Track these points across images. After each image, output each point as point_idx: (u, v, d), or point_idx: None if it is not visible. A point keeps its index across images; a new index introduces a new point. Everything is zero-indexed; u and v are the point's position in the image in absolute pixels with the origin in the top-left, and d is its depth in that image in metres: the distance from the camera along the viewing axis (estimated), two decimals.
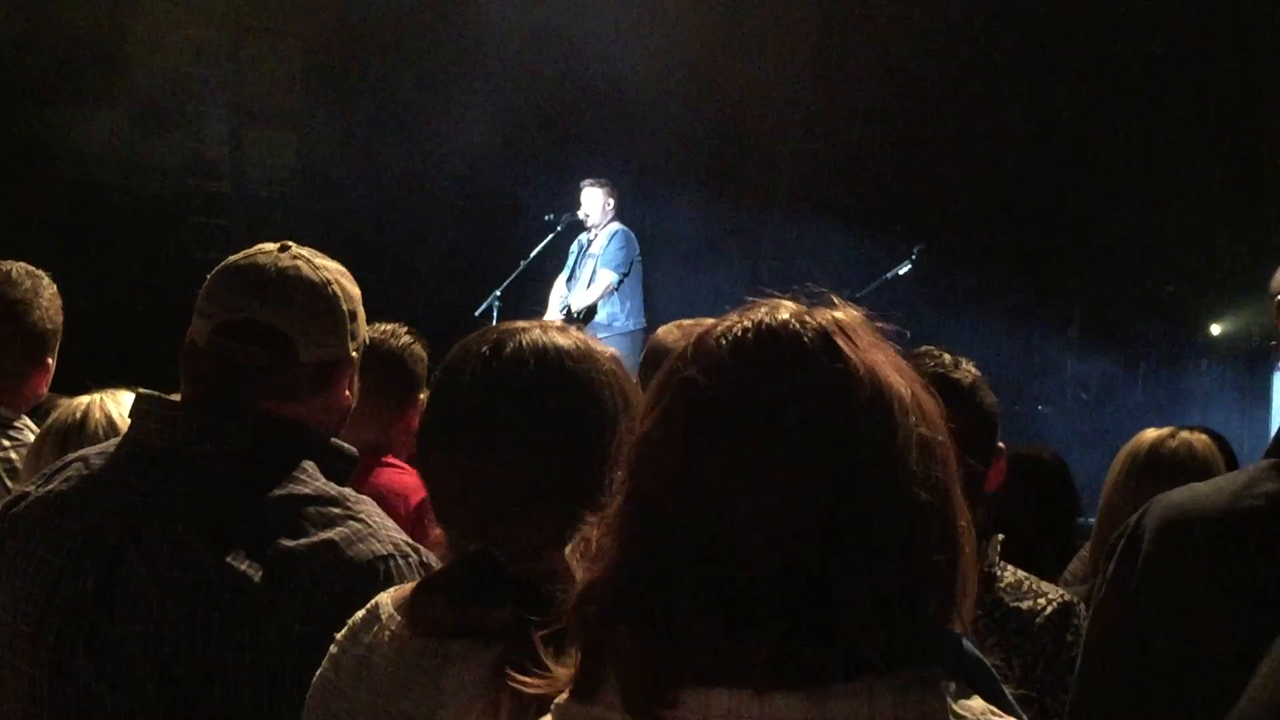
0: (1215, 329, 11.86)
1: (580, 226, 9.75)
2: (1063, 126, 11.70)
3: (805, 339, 1.23)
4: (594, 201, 9.67)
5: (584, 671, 1.26)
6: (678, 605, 1.19)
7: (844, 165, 11.83)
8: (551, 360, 1.72)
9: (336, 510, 2.07)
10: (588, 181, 9.73)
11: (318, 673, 1.75)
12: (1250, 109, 11.37)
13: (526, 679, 1.36)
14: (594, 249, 9.64)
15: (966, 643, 1.25)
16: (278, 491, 2.07)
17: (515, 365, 1.71)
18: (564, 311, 9.38)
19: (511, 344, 1.73)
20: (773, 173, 11.60)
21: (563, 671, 1.30)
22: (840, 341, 1.23)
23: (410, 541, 2.11)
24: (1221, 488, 2.01)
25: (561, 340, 1.75)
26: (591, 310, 9.41)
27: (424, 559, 2.07)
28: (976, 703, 1.20)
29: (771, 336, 1.24)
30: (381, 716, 1.66)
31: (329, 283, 2.24)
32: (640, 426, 1.27)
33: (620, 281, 9.51)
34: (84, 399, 2.97)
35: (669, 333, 3.10)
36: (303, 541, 2.02)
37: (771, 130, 11.34)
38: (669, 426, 1.24)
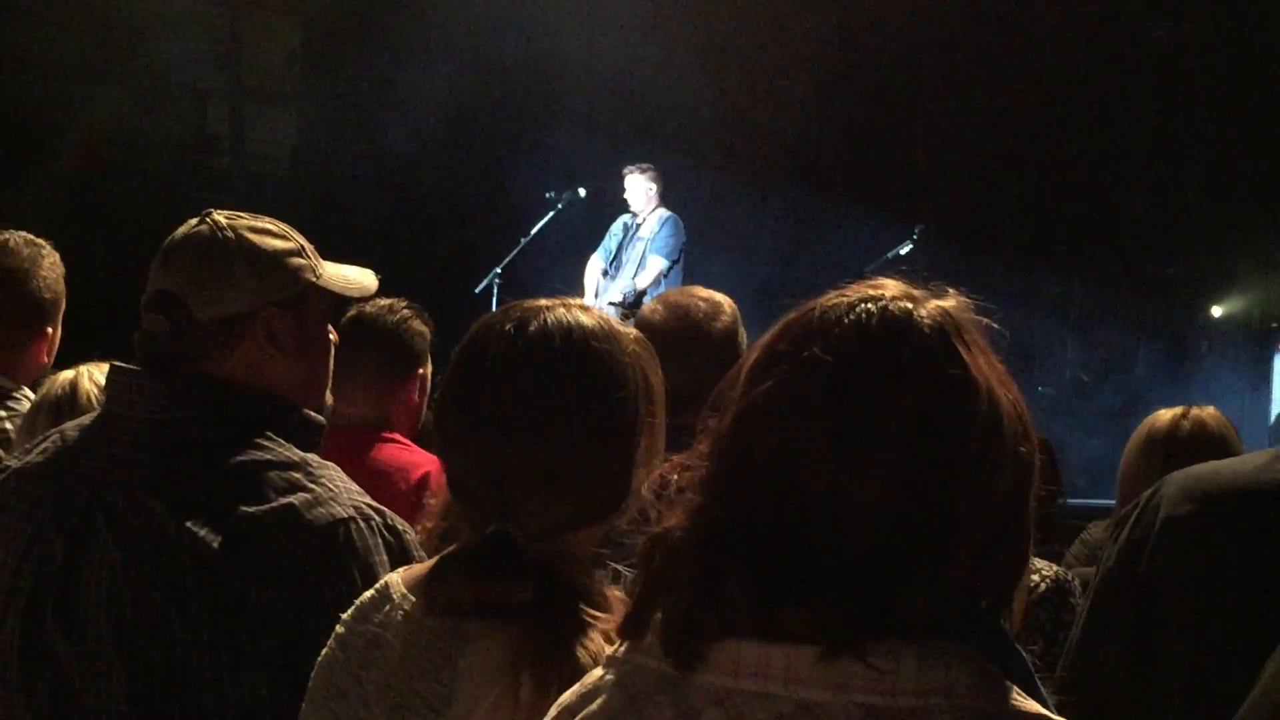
0: (1216, 310, 11.86)
1: (577, 203, 9.76)
2: (1065, 108, 11.67)
3: (926, 332, 1.25)
4: (637, 188, 9.73)
5: (635, 611, 1.30)
6: (735, 567, 1.22)
7: (846, 144, 11.81)
8: (577, 340, 1.70)
9: (297, 475, 2.09)
10: (630, 168, 9.76)
11: (323, 652, 1.74)
12: (1254, 90, 11.34)
13: (599, 615, 1.41)
14: (643, 232, 9.70)
15: (1010, 637, 1.28)
16: (239, 458, 2.09)
17: (541, 343, 1.69)
18: (625, 295, 9.40)
19: (536, 322, 1.71)
20: (774, 152, 11.57)
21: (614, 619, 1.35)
22: (958, 345, 1.25)
23: (374, 504, 2.12)
24: (1244, 462, 2.02)
25: (586, 320, 1.73)
26: (643, 295, 9.42)
27: (388, 521, 2.09)
28: (1008, 685, 1.22)
29: (896, 325, 1.25)
30: (394, 696, 1.65)
31: (228, 240, 2.22)
32: (745, 390, 1.27)
33: (671, 267, 9.55)
34: (70, 371, 2.98)
35: (654, 310, 3.09)
36: (263, 507, 2.03)
37: (773, 108, 11.31)
38: (783, 396, 1.24)
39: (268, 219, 2.31)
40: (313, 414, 2.27)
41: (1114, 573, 2.03)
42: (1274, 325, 11.28)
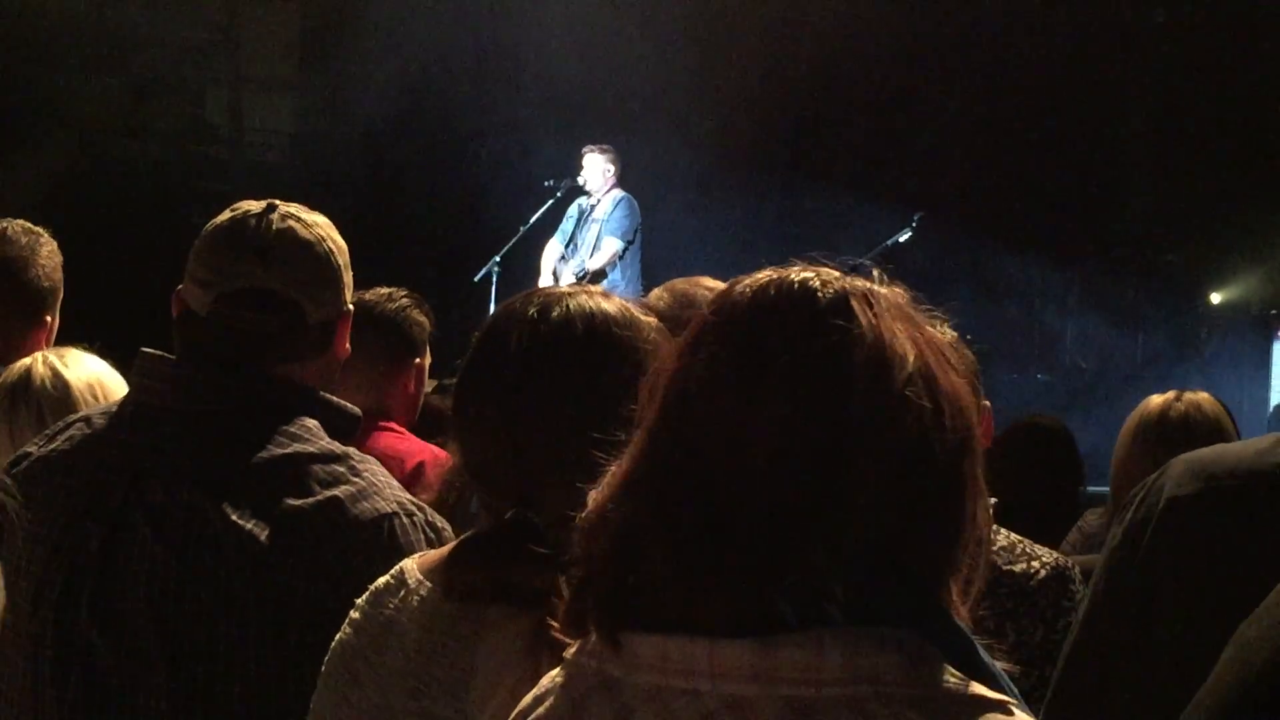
0: (1215, 297, 11.86)
1: (578, 191, 9.71)
2: (1064, 95, 11.66)
3: (819, 296, 1.24)
4: (595, 167, 9.60)
5: (572, 601, 1.29)
6: (650, 543, 1.21)
7: (844, 131, 11.80)
8: (599, 326, 1.70)
9: (341, 468, 2.08)
10: (589, 148, 9.66)
11: (337, 637, 1.74)
12: (1254, 77, 11.33)
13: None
14: (597, 214, 9.58)
15: (949, 615, 1.24)
16: (283, 450, 2.07)
17: (563, 330, 1.69)
18: (579, 276, 9.29)
19: (559, 308, 1.70)
20: (770, 139, 11.57)
21: None
22: (855, 304, 1.23)
23: (415, 500, 2.11)
24: (1246, 446, 2.02)
25: (608, 306, 1.72)
26: (600, 275, 9.33)
27: (429, 518, 2.08)
28: (942, 667, 1.18)
29: (789, 290, 1.25)
30: (412, 681, 1.65)
31: (322, 240, 2.24)
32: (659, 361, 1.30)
33: (626, 249, 9.46)
34: (28, 359, 2.95)
35: (660, 298, 3.07)
36: (308, 500, 2.02)
37: (769, 95, 11.29)
38: (674, 364, 1.26)
39: (318, 213, 2.31)
40: (348, 405, 2.27)
41: (1118, 552, 2.04)
42: (1273, 312, 11.29)
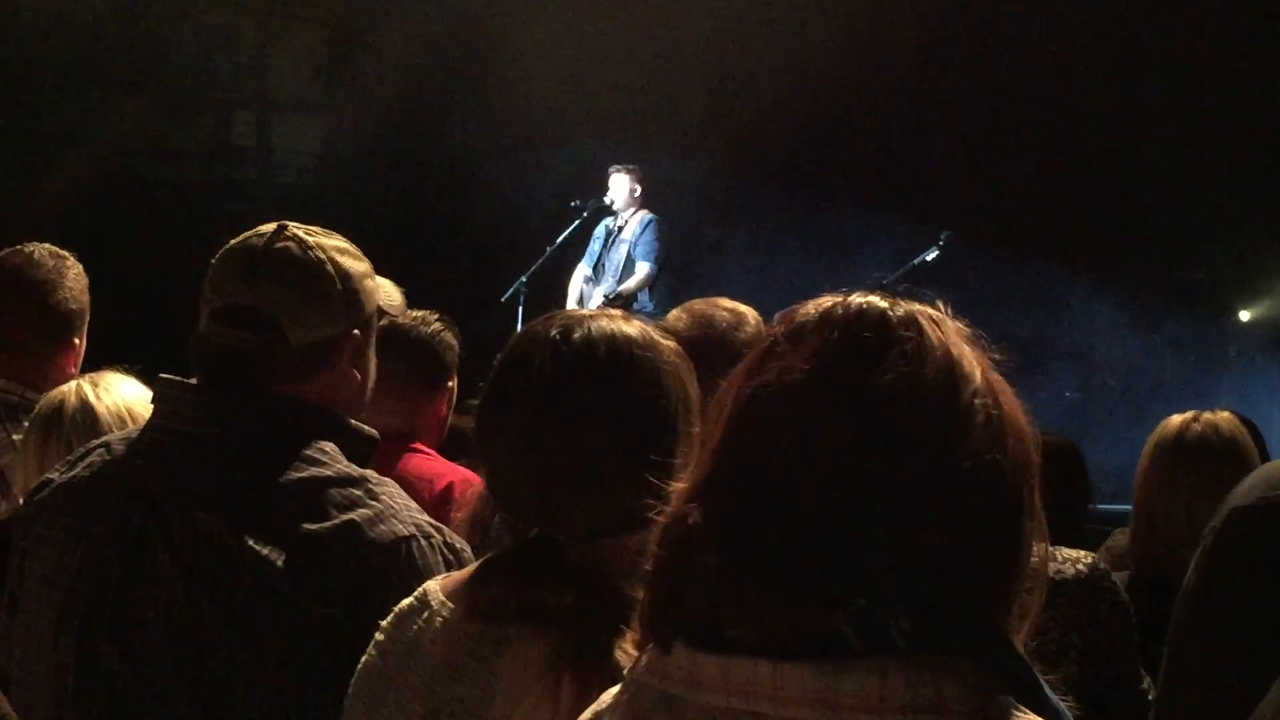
0: (1245, 315, 11.81)
1: (605, 211, 9.73)
2: (1091, 112, 11.64)
3: (890, 314, 1.25)
4: (621, 187, 9.62)
5: (652, 610, 1.29)
6: (707, 557, 1.21)
7: (871, 149, 11.80)
8: (621, 348, 1.72)
9: (358, 492, 2.07)
10: (615, 167, 9.68)
11: (363, 660, 1.75)
12: None
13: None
14: (624, 235, 9.56)
15: (1012, 645, 1.23)
16: (299, 474, 2.06)
17: (585, 351, 1.71)
18: (610, 297, 9.28)
19: (580, 330, 1.73)
20: (795, 155, 11.56)
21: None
22: (924, 322, 1.25)
23: (433, 522, 2.11)
24: None
25: (629, 329, 1.75)
26: (630, 298, 9.30)
27: (447, 539, 2.08)
28: (1006, 700, 1.18)
29: (859, 309, 1.26)
30: (433, 702, 1.66)
31: (320, 262, 2.19)
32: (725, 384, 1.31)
33: (658, 272, 9.47)
34: (66, 386, 2.96)
35: (678, 319, 3.08)
36: (325, 524, 2.01)
37: (796, 114, 11.29)
38: (741, 381, 1.27)
39: (339, 236, 2.28)
40: (366, 428, 2.25)
41: (1193, 567, 2.04)
42: None
